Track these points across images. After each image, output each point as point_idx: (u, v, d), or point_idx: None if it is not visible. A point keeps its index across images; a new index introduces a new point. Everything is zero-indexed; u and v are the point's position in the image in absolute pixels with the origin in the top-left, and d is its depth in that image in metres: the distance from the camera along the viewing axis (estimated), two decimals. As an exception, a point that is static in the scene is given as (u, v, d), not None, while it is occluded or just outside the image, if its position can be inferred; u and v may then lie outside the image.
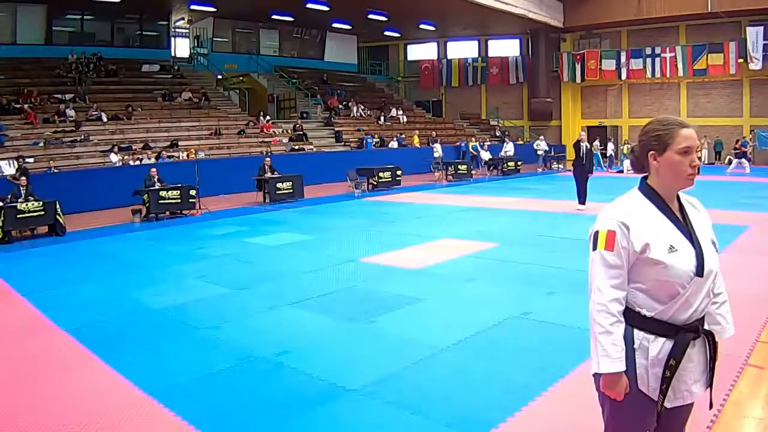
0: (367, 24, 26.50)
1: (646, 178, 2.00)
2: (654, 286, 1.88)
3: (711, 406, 2.06)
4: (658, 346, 1.88)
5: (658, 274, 1.86)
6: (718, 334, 2.01)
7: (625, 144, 24.46)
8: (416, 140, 24.43)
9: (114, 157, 15.84)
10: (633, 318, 1.90)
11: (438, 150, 21.73)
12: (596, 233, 1.94)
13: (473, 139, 25.27)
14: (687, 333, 1.88)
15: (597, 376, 1.94)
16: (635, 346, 1.90)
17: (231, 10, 23.64)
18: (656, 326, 1.88)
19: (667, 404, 1.90)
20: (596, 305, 1.88)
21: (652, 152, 1.94)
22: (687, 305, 1.87)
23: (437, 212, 12.33)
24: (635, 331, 1.90)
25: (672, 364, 1.87)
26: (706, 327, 1.96)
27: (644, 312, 1.89)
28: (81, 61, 20.15)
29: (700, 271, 1.86)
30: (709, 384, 1.99)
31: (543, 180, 20.22)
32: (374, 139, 23.14)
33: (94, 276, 7.38)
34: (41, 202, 10.61)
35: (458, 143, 24.54)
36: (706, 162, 22.83)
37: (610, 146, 24.09)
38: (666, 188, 1.95)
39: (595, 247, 1.92)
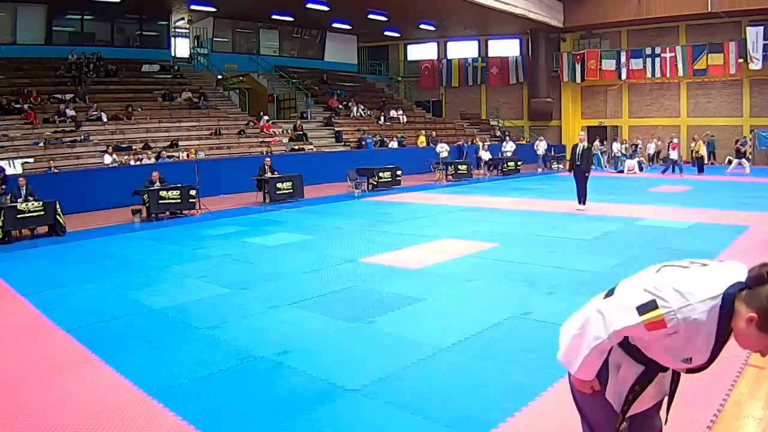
0: (367, 24, 26.50)
1: (740, 288, 1.68)
2: (651, 353, 1.89)
3: (665, 422, 2.15)
4: (629, 367, 1.94)
5: (660, 357, 1.86)
6: None
7: (623, 144, 24.41)
8: (422, 140, 24.39)
9: (107, 159, 15.77)
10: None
11: (445, 150, 21.72)
12: (653, 304, 1.71)
13: (477, 139, 25.30)
14: (657, 366, 1.93)
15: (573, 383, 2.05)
16: (609, 357, 1.94)
17: (231, 10, 23.64)
18: (635, 353, 1.92)
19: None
20: (601, 339, 1.82)
21: (752, 316, 1.63)
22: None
23: (437, 212, 12.33)
24: (615, 345, 1.93)
25: (636, 390, 1.94)
26: None
27: (631, 340, 1.91)
28: (81, 61, 20.15)
29: (695, 371, 1.86)
30: (669, 403, 2.07)
31: (543, 180, 20.22)
32: (374, 139, 23.14)
33: (94, 276, 7.38)
34: (41, 202, 10.62)
35: (459, 143, 24.54)
36: (706, 162, 22.77)
37: (615, 146, 24.00)
38: (737, 333, 1.70)
39: (641, 313, 1.73)
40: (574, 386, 2.05)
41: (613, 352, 1.93)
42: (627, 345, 1.92)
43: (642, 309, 1.73)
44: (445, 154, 21.58)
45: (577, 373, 1.93)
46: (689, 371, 1.90)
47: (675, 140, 20.88)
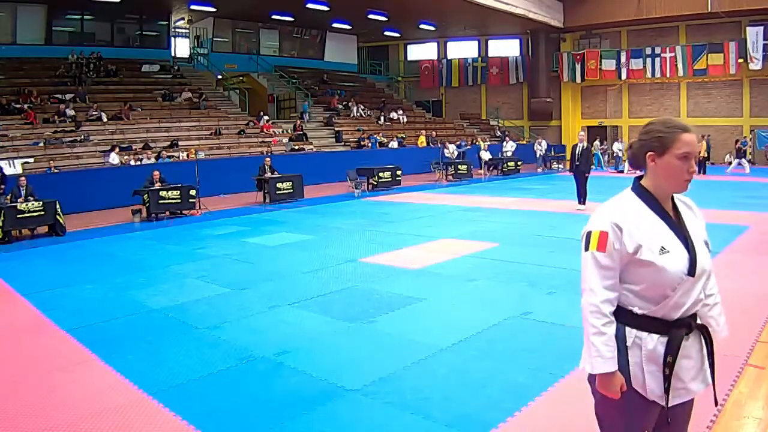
0: (367, 24, 26.50)
1: (639, 178, 2.00)
2: (646, 287, 1.88)
3: (716, 403, 2.06)
4: (652, 343, 1.88)
5: (650, 276, 1.86)
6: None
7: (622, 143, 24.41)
8: (422, 140, 24.37)
9: (115, 159, 15.80)
10: (624, 316, 1.90)
11: (453, 151, 21.61)
12: (588, 233, 1.93)
13: (479, 139, 25.29)
14: (679, 329, 1.89)
15: (592, 376, 1.95)
16: (627, 344, 1.90)
17: (231, 10, 23.64)
18: (648, 323, 1.89)
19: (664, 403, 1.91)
20: (589, 306, 1.88)
21: (650, 153, 1.93)
22: (679, 305, 1.88)
23: (437, 212, 12.33)
24: (627, 328, 1.90)
25: (669, 362, 1.87)
26: (698, 322, 1.96)
27: (636, 310, 1.90)
28: (81, 61, 20.15)
29: (692, 270, 1.86)
30: (711, 380, 1.98)
31: (543, 180, 20.22)
32: (379, 139, 23.15)
33: (94, 276, 7.38)
34: (41, 202, 10.62)
35: (457, 143, 24.55)
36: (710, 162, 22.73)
37: (617, 145, 23.98)
38: (660, 190, 1.95)
39: (587, 248, 1.91)
40: (599, 403, 1.97)
41: (627, 335, 1.89)
42: (633, 316, 1.89)
43: (586, 244, 1.93)
44: (452, 155, 21.42)
45: (597, 367, 1.86)
46: (705, 305, 1.98)
47: None
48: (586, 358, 1.92)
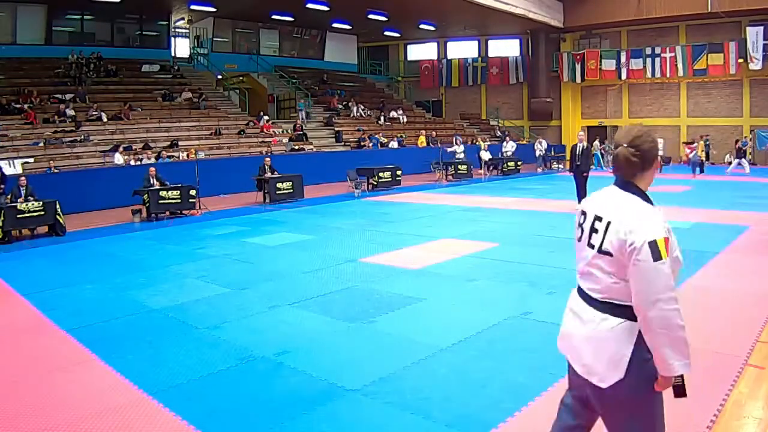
0: (367, 24, 26.50)
1: (630, 182, 2.06)
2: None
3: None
4: None
5: (676, 273, 1.97)
6: None
7: None
8: (422, 140, 24.37)
9: (119, 159, 15.80)
10: (633, 313, 1.97)
11: (459, 150, 21.52)
12: (654, 243, 1.87)
13: (479, 139, 25.29)
14: None
15: (636, 385, 1.98)
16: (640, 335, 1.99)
17: (231, 10, 23.65)
18: None
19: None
20: (676, 313, 1.87)
21: (657, 157, 2.08)
22: None
23: (437, 212, 12.33)
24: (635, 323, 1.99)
25: None
26: None
27: None
28: (81, 61, 20.15)
29: None
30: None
31: (543, 180, 20.22)
32: (380, 139, 23.13)
33: (94, 276, 7.38)
34: (41, 202, 10.62)
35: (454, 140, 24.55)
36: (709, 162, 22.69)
37: None
38: (646, 189, 2.09)
39: (658, 257, 1.86)
40: (649, 405, 2.02)
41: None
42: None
43: (657, 254, 1.86)
44: (461, 156, 21.30)
45: (689, 366, 1.91)
46: None
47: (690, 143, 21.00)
48: (673, 364, 1.89)
